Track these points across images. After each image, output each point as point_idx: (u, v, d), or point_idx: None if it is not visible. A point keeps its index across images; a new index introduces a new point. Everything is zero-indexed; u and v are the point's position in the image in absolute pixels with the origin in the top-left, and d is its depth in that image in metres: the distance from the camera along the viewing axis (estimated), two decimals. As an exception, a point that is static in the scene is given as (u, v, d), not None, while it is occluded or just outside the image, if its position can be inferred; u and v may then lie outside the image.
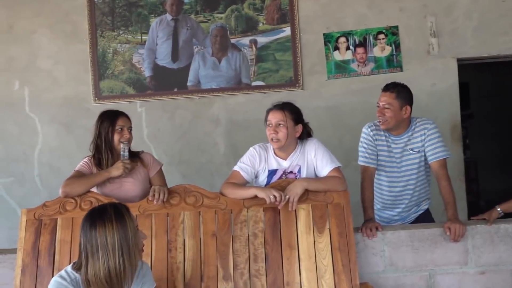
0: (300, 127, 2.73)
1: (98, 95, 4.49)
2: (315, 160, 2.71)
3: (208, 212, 2.60)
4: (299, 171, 2.74)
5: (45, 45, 4.54)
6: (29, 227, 2.60)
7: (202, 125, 4.48)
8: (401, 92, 2.82)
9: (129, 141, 2.82)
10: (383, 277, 2.60)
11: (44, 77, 4.53)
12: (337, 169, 2.68)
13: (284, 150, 2.74)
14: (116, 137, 2.79)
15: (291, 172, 2.76)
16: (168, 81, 4.47)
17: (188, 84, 4.45)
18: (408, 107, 2.83)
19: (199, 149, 4.47)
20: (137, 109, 4.48)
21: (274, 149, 2.77)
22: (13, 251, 2.64)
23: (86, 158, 2.86)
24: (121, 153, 2.75)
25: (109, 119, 2.82)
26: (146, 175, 2.86)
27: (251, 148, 2.80)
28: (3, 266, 2.67)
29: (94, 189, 2.75)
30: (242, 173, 2.73)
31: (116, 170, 2.70)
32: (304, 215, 2.56)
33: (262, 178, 2.79)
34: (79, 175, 2.75)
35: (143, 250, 2.06)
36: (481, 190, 6.69)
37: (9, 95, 4.54)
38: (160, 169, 2.91)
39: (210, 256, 2.53)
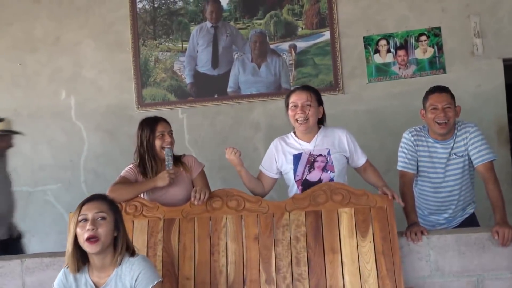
0: (322, 109, 2.77)
1: (141, 102, 4.59)
2: (353, 148, 2.75)
3: (250, 216, 2.61)
4: (328, 153, 2.71)
5: (89, 55, 4.68)
6: (76, 230, 2.66)
7: (243, 131, 4.51)
8: (451, 93, 2.78)
9: (172, 144, 2.85)
10: (429, 282, 2.54)
11: (89, 86, 4.67)
12: (369, 160, 2.81)
13: (308, 133, 2.73)
14: (157, 143, 2.82)
15: (320, 155, 2.71)
16: (209, 88, 4.52)
17: (228, 90, 4.50)
18: (458, 108, 2.79)
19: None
20: (179, 116, 4.56)
21: (296, 133, 2.77)
22: (62, 254, 2.72)
23: (132, 165, 2.90)
24: (166, 163, 2.77)
25: (149, 126, 2.85)
26: (189, 178, 2.89)
27: (271, 145, 2.84)
28: (53, 269, 2.75)
29: None
30: (262, 170, 2.82)
31: (162, 180, 2.72)
32: (346, 219, 2.54)
33: (287, 167, 2.75)
34: (125, 181, 2.80)
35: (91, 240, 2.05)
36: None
37: (56, 104, 4.71)
38: (202, 170, 2.94)
39: (252, 259, 2.54)
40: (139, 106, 4.59)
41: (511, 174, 4.21)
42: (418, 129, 2.86)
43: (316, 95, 2.72)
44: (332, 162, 2.70)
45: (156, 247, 2.60)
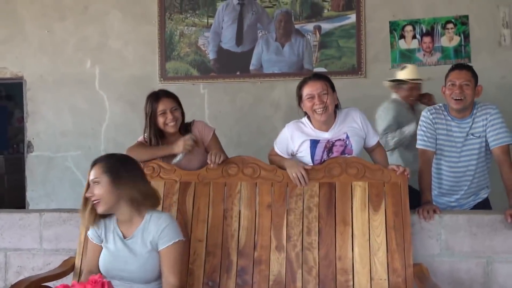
0: (336, 94, 2.69)
1: (164, 75, 4.64)
2: (366, 128, 2.72)
3: (265, 184, 2.64)
4: (347, 137, 2.68)
5: (116, 26, 4.75)
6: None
7: (263, 109, 4.54)
8: (474, 72, 2.77)
9: (176, 120, 2.81)
10: (438, 261, 2.54)
11: (114, 56, 4.74)
12: (379, 141, 2.85)
13: (326, 122, 2.66)
14: (160, 121, 2.81)
15: (339, 139, 2.68)
16: (232, 65, 4.56)
17: (251, 68, 4.52)
18: (480, 88, 2.77)
19: (258, 132, 4.53)
20: (200, 91, 4.61)
21: (312, 122, 2.69)
22: (78, 210, 2.79)
23: (141, 138, 2.92)
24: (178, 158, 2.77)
25: (151, 104, 2.82)
26: (202, 145, 2.88)
27: (284, 129, 2.76)
28: (70, 224, 2.83)
29: None
30: (280, 153, 2.75)
31: (177, 148, 2.75)
32: (360, 192, 2.55)
33: (303, 152, 2.70)
34: (142, 145, 2.87)
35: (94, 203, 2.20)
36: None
37: (81, 73, 4.79)
38: (214, 134, 2.91)
39: (264, 226, 2.57)
40: (162, 79, 4.64)
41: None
42: (437, 107, 2.86)
43: (329, 82, 2.67)
44: (351, 146, 2.68)
45: (171, 208, 2.65)
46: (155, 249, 2.20)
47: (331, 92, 2.62)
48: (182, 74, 4.64)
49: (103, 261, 2.26)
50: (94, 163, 2.24)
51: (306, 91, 2.63)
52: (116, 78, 4.74)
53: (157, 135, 2.83)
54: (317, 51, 4.43)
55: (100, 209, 2.19)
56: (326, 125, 2.67)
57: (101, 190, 2.17)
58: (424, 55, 4.28)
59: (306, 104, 2.64)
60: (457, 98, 2.71)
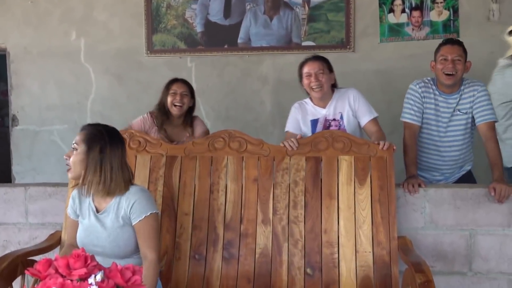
0: (333, 75, 2.94)
1: (151, 48, 4.58)
2: (356, 107, 2.87)
3: (251, 158, 2.64)
4: (341, 117, 2.87)
5: (101, -3, 4.65)
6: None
7: (250, 83, 4.51)
8: (465, 47, 2.78)
9: (182, 104, 3.23)
10: (422, 234, 2.58)
11: (100, 28, 4.65)
12: (376, 119, 2.86)
13: (323, 99, 2.90)
14: (169, 99, 3.22)
15: (334, 119, 2.88)
16: (219, 38, 4.50)
17: (239, 41, 4.47)
18: (469, 64, 2.78)
19: (246, 107, 4.51)
20: (187, 64, 4.56)
21: (312, 100, 2.94)
22: (65, 185, 2.78)
23: (146, 114, 3.28)
24: None
25: (167, 84, 3.29)
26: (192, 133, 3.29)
27: (292, 108, 3.00)
28: (56, 198, 2.82)
29: None
30: (293, 131, 2.91)
31: None
32: (346, 166, 2.56)
33: (306, 131, 2.90)
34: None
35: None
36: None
37: (66, 45, 4.70)
38: (204, 131, 3.31)
39: (250, 200, 2.58)
40: (148, 52, 4.58)
41: None
42: (426, 80, 2.86)
43: (326, 63, 2.91)
44: (344, 126, 2.87)
45: (157, 182, 2.64)
46: (128, 224, 2.15)
47: (327, 72, 2.88)
48: (169, 47, 4.57)
49: (79, 236, 2.22)
50: (81, 130, 2.21)
51: (305, 69, 2.89)
52: (102, 50, 4.66)
53: (162, 111, 3.24)
54: (305, 25, 4.39)
55: (70, 175, 2.20)
56: (323, 102, 2.91)
57: (75, 157, 2.14)
58: (413, 29, 4.26)
59: (305, 81, 2.90)
60: (449, 73, 2.71)
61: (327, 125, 2.89)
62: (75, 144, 2.16)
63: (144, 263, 2.11)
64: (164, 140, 2.88)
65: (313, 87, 2.85)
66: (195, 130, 3.30)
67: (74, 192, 2.29)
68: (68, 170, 2.19)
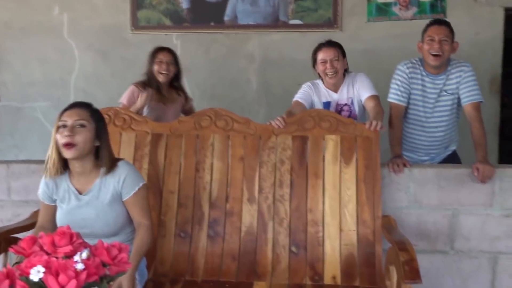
0: (346, 60, 2.99)
1: (135, 25, 4.50)
2: (358, 87, 2.93)
3: (237, 136, 2.63)
4: (352, 103, 2.96)
5: (85, -29, 4.54)
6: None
7: (237, 61, 4.48)
8: (452, 28, 2.77)
9: (168, 72, 3.33)
10: (406, 213, 2.61)
11: (83, 3, 4.56)
12: (376, 96, 2.89)
13: (336, 84, 2.96)
14: (155, 68, 3.31)
15: (345, 104, 2.97)
16: (205, 15, 4.44)
17: (225, 18, 4.42)
18: (456, 45, 2.78)
19: (232, 85, 4.48)
20: (173, 41, 4.49)
21: (324, 83, 2.99)
22: (48, 162, 2.74)
23: (132, 86, 3.33)
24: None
25: (153, 52, 3.36)
26: (182, 105, 3.50)
27: (303, 85, 3.04)
28: (39, 175, 2.72)
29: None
30: (301, 101, 2.95)
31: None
32: (332, 145, 2.57)
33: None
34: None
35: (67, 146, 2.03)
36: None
37: (49, 20, 4.60)
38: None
39: (236, 179, 2.58)
40: (133, 28, 4.51)
41: (498, 124, 4.25)
42: (414, 61, 2.86)
43: (341, 49, 2.97)
44: (356, 111, 2.96)
45: (142, 160, 2.63)
46: (117, 200, 2.14)
47: (341, 58, 2.94)
48: (154, 23, 4.50)
49: (61, 220, 2.15)
50: (76, 105, 2.10)
51: (321, 56, 2.93)
52: (86, 26, 4.57)
53: (150, 77, 3.33)
54: (293, 3, 4.34)
55: (71, 154, 2.04)
56: (335, 87, 2.98)
57: (84, 135, 2.04)
58: (400, 9, 4.25)
59: (320, 68, 2.94)
60: (436, 53, 2.71)
61: (338, 110, 2.94)
62: (82, 121, 2.05)
63: (139, 230, 2.14)
64: (159, 106, 3.27)
65: (329, 73, 2.90)
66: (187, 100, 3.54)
67: (44, 180, 2.20)
68: (72, 148, 2.03)
